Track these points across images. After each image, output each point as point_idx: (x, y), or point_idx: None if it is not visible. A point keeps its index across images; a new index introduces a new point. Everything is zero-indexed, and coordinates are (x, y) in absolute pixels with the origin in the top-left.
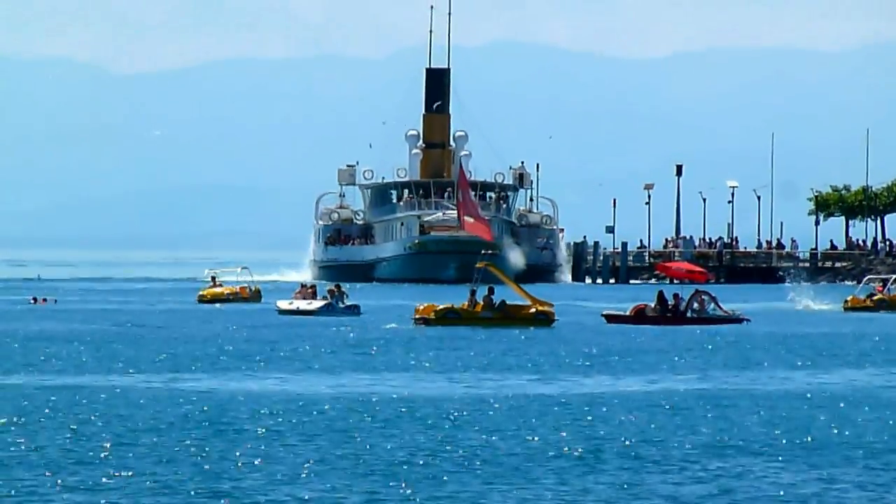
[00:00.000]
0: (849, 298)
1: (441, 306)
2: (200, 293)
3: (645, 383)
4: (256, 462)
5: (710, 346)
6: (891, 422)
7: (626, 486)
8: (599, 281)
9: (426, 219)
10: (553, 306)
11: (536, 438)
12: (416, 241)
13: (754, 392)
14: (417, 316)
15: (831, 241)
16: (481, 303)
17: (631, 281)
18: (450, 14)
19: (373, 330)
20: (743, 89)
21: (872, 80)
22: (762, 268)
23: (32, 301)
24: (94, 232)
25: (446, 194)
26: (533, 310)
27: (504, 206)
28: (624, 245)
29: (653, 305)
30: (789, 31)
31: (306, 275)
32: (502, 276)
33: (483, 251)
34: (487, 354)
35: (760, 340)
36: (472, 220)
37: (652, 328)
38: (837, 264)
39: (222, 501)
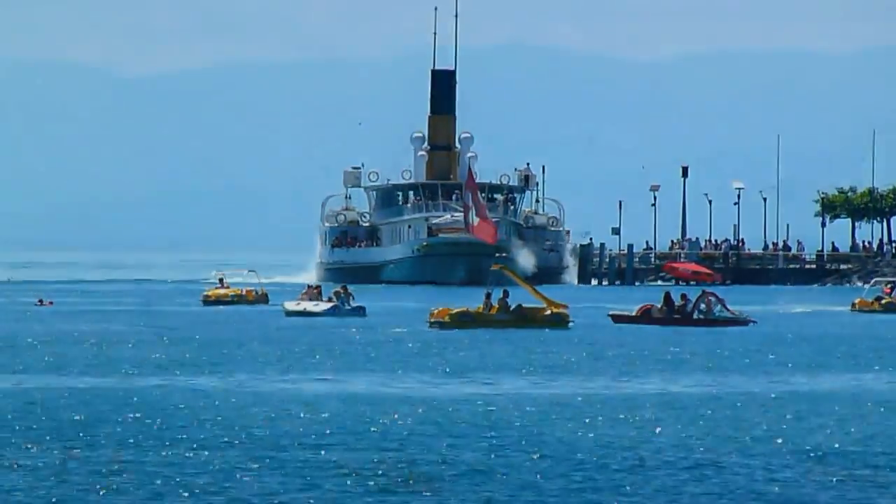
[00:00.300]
0: (856, 301)
1: (456, 309)
2: (205, 294)
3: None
4: (278, 466)
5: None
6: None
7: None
8: (605, 282)
9: (434, 221)
10: (568, 308)
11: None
12: (425, 243)
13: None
14: (433, 319)
15: (832, 244)
16: (496, 305)
17: (637, 283)
18: (456, 16)
19: (391, 334)
20: (749, 91)
21: (878, 82)
22: (768, 269)
23: (38, 303)
24: (99, 234)
25: (454, 196)
26: (548, 312)
27: (511, 207)
28: (630, 247)
29: (659, 306)
30: (795, 32)
31: (312, 277)
32: (517, 279)
33: (497, 254)
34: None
35: (790, 343)
36: (480, 221)
37: (662, 328)
38: (843, 266)
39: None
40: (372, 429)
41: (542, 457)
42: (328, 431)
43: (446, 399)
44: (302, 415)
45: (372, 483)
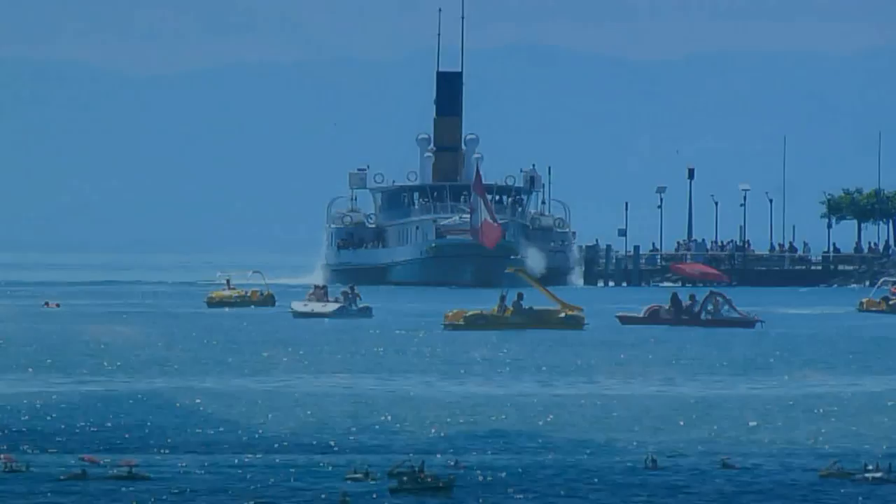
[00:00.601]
0: (864, 300)
1: (471, 312)
2: (210, 295)
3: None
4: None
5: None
6: None
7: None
8: (612, 284)
9: (442, 222)
10: (582, 309)
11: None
12: (433, 244)
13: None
14: (447, 321)
15: (834, 245)
16: (511, 307)
17: (643, 283)
18: (462, 17)
19: (406, 335)
20: (755, 92)
21: (885, 83)
22: (774, 271)
23: (45, 305)
24: (102, 235)
25: (461, 198)
26: (562, 314)
27: (519, 209)
28: (636, 248)
29: (667, 307)
30: (801, 34)
31: (318, 278)
32: (532, 281)
33: (510, 255)
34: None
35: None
36: (485, 224)
37: (670, 329)
38: (849, 267)
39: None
40: (383, 429)
41: (553, 458)
42: (337, 432)
43: (459, 400)
44: (310, 415)
45: (380, 485)
